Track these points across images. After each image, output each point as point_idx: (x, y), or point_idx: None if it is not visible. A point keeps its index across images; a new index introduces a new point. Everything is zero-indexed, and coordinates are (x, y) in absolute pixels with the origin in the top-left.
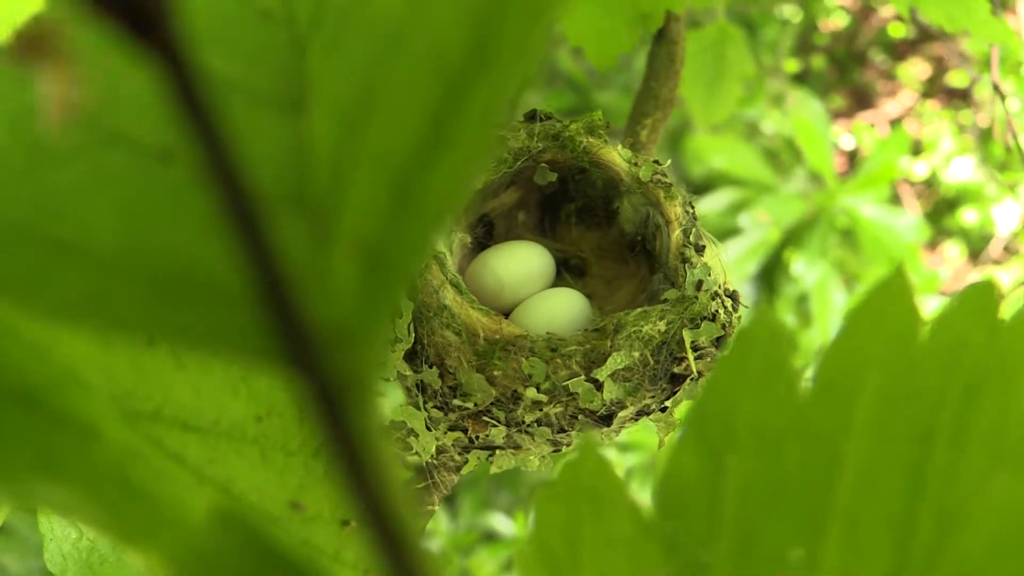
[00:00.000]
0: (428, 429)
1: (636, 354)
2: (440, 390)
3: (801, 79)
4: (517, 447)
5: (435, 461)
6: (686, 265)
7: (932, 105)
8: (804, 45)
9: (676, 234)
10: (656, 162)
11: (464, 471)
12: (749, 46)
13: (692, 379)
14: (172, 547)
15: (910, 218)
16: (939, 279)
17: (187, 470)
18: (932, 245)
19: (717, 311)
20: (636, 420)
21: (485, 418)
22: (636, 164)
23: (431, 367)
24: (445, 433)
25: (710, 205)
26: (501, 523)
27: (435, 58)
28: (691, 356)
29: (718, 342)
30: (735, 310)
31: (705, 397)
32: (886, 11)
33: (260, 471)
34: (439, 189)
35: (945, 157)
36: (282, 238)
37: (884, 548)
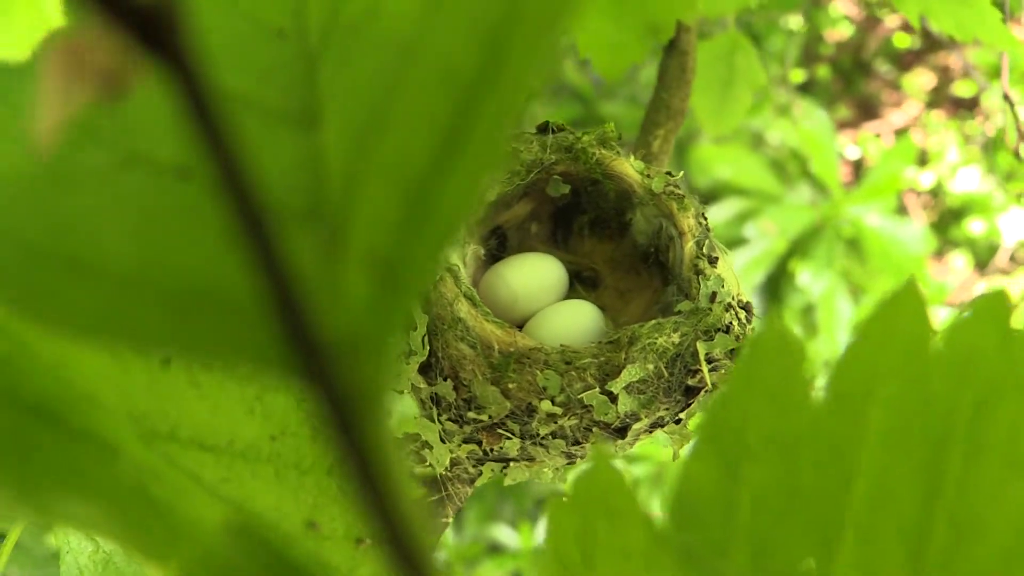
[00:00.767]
0: (442, 441)
1: (650, 366)
2: (454, 403)
3: (806, 89)
4: (531, 459)
5: (449, 473)
6: (699, 277)
7: (937, 115)
8: (809, 55)
9: (689, 245)
10: (669, 173)
11: (478, 483)
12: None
13: (706, 391)
14: (190, 561)
15: (916, 228)
16: (946, 290)
17: (203, 489)
18: (938, 255)
19: (731, 323)
20: (650, 432)
21: (499, 430)
22: (649, 175)
23: (445, 380)
24: (459, 445)
25: (716, 215)
26: (506, 535)
27: (446, 72)
28: (705, 368)
29: (732, 354)
30: (749, 321)
31: (718, 407)
32: (891, 21)
33: (275, 490)
34: (451, 201)
35: (951, 167)
36: (296, 252)
37: (898, 557)
